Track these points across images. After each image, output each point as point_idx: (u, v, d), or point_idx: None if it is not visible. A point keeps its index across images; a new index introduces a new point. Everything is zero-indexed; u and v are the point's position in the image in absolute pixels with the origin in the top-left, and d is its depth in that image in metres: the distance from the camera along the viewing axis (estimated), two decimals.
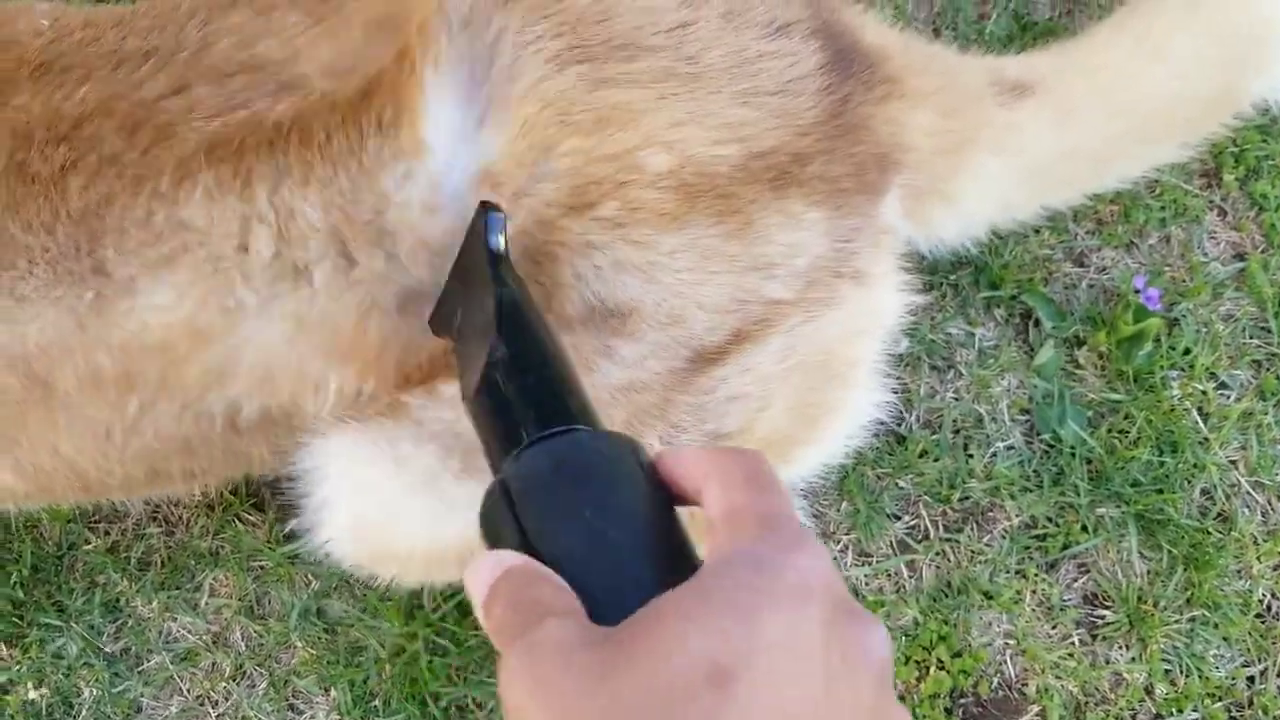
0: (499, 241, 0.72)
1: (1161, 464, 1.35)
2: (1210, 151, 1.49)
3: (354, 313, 0.95)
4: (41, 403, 1.00)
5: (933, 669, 1.28)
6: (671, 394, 1.02)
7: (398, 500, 1.03)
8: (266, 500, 1.35)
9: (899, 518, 1.36)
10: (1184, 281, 1.45)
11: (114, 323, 0.96)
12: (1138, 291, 1.39)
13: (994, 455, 1.37)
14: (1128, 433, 1.37)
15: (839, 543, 1.35)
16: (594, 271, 0.96)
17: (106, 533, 1.34)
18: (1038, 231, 1.47)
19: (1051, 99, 1.24)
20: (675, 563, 0.47)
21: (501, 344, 0.61)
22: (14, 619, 1.29)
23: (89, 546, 1.33)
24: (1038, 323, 1.43)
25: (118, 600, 1.31)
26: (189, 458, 1.09)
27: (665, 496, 0.50)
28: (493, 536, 0.51)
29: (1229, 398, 1.41)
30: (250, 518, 1.34)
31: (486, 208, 0.73)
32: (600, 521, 0.48)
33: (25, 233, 0.93)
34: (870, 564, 1.33)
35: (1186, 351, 1.40)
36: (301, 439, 1.07)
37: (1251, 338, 1.43)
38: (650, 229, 0.96)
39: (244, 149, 0.91)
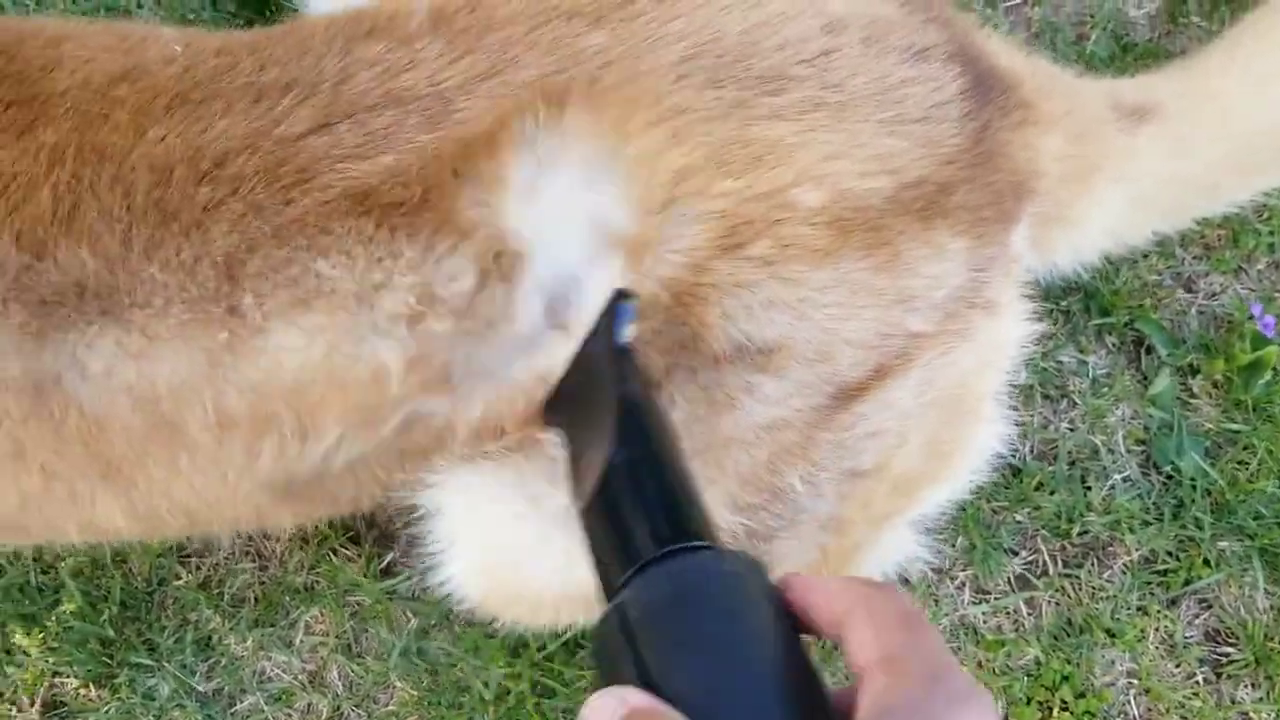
0: (626, 334, 0.66)
1: None
2: None
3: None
4: (166, 444, 0.96)
5: (1056, 710, 1.24)
6: (814, 431, 0.98)
7: (530, 541, 0.99)
8: (362, 534, 1.31)
9: (1016, 553, 1.31)
10: None
11: (248, 364, 0.92)
12: (1253, 318, 1.36)
13: (1112, 488, 1.33)
14: (1248, 464, 1.33)
15: (955, 579, 1.30)
16: (743, 310, 0.92)
17: (198, 568, 1.29)
18: (1145, 256, 1.44)
19: (1169, 125, 1.22)
20: (808, 706, 0.43)
21: (621, 449, 0.56)
22: (104, 659, 1.24)
23: (180, 582, 1.28)
24: (1150, 350, 1.39)
25: (209, 638, 1.27)
26: (304, 500, 1.05)
27: (793, 626, 0.46)
28: (608, 666, 0.47)
29: None
30: (346, 551, 1.30)
31: (620, 296, 0.67)
32: (729, 658, 0.44)
33: (163, 272, 0.88)
34: (989, 601, 1.29)
35: None
36: (426, 477, 1.03)
37: None
38: (802, 265, 0.92)
39: (388, 200, 0.87)
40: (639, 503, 0.54)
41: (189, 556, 1.30)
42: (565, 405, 0.69)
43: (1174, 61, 1.28)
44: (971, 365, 1.09)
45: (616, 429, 0.57)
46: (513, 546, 0.99)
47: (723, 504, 0.98)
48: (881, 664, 0.42)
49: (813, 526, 1.03)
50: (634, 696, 0.43)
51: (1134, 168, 1.21)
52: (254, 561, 1.29)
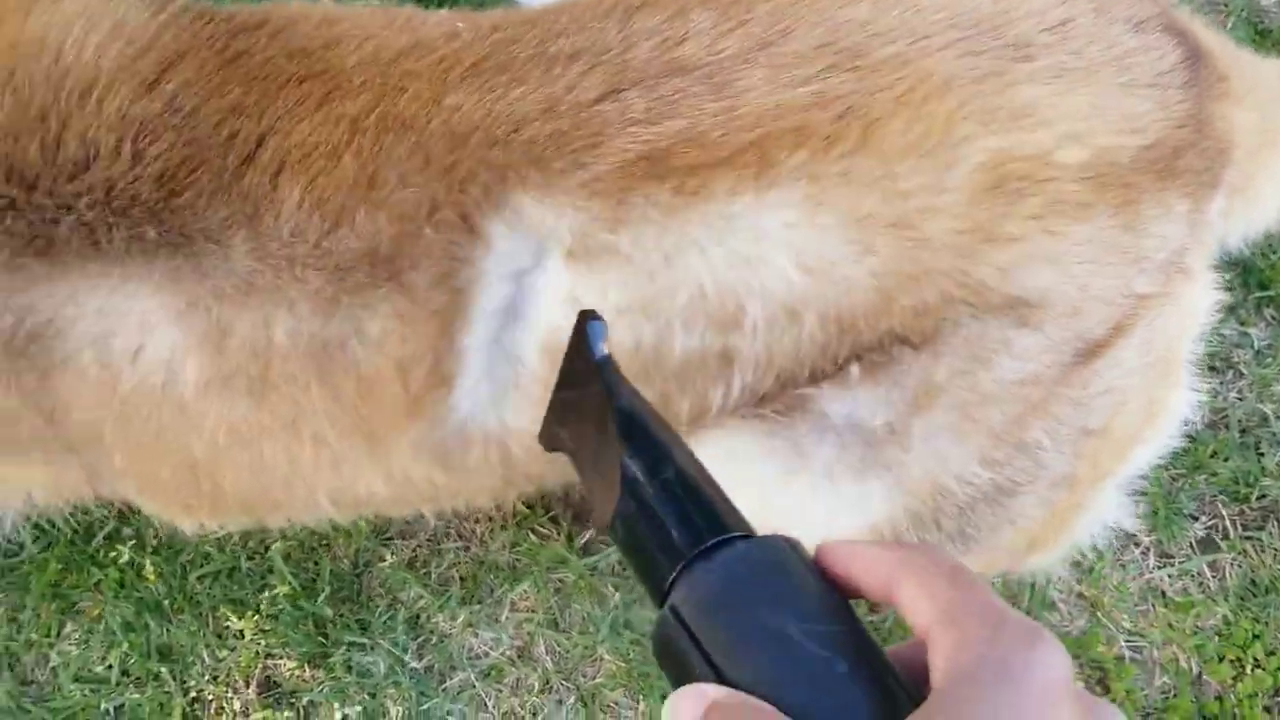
0: (603, 349, 0.68)
1: None
2: None
3: None
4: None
5: (1249, 667, 1.27)
6: (1058, 388, 1.02)
7: (798, 500, 1.02)
8: (560, 514, 1.34)
9: (1197, 518, 1.35)
10: None
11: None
12: None
13: None
14: None
15: (1140, 544, 1.34)
16: (1014, 263, 0.95)
17: (401, 550, 1.32)
18: None
19: None
20: (877, 675, 0.44)
21: (633, 456, 0.56)
22: (319, 639, 1.26)
23: (384, 564, 1.31)
24: None
25: (418, 617, 1.29)
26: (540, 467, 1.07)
27: (841, 597, 0.47)
28: (677, 669, 0.47)
29: None
30: (545, 530, 1.32)
31: (585, 317, 0.71)
32: (791, 641, 0.44)
33: (430, 231, 0.92)
34: (1174, 565, 1.33)
35: None
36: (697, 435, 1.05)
37: None
38: (1067, 220, 0.96)
39: (684, 161, 0.90)
40: (666, 504, 0.53)
41: (390, 539, 1.32)
42: (561, 430, 0.71)
43: None
44: (1176, 329, 1.13)
45: (621, 437, 0.57)
46: (781, 507, 1.02)
47: (974, 459, 1.02)
48: (942, 621, 0.42)
49: (1048, 483, 1.07)
50: (712, 690, 0.44)
51: None
52: (456, 542, 1.32)
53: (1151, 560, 1.33)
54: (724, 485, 0.63)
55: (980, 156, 0.94)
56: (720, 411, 1.00)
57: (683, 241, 0.92)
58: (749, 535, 0.50)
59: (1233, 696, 1.26)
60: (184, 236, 0.93)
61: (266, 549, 1.30)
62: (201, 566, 1.28)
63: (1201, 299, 1.16)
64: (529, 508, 1.32)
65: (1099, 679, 1.26)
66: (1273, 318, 1.44)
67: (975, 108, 0.94)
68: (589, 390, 0.67)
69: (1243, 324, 1.43)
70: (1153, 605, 1.31)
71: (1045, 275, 0.96)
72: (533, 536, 1.32)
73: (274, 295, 0.93)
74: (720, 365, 0.97)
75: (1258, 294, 1.44)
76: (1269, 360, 1.41)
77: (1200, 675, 1.26)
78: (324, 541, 1.31)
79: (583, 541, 1.32)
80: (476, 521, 1.32)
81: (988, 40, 0.98)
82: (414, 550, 1.32)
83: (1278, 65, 1.27)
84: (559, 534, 1.32)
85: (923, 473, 1.01)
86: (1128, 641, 1.28)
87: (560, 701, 1.27)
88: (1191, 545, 1.34)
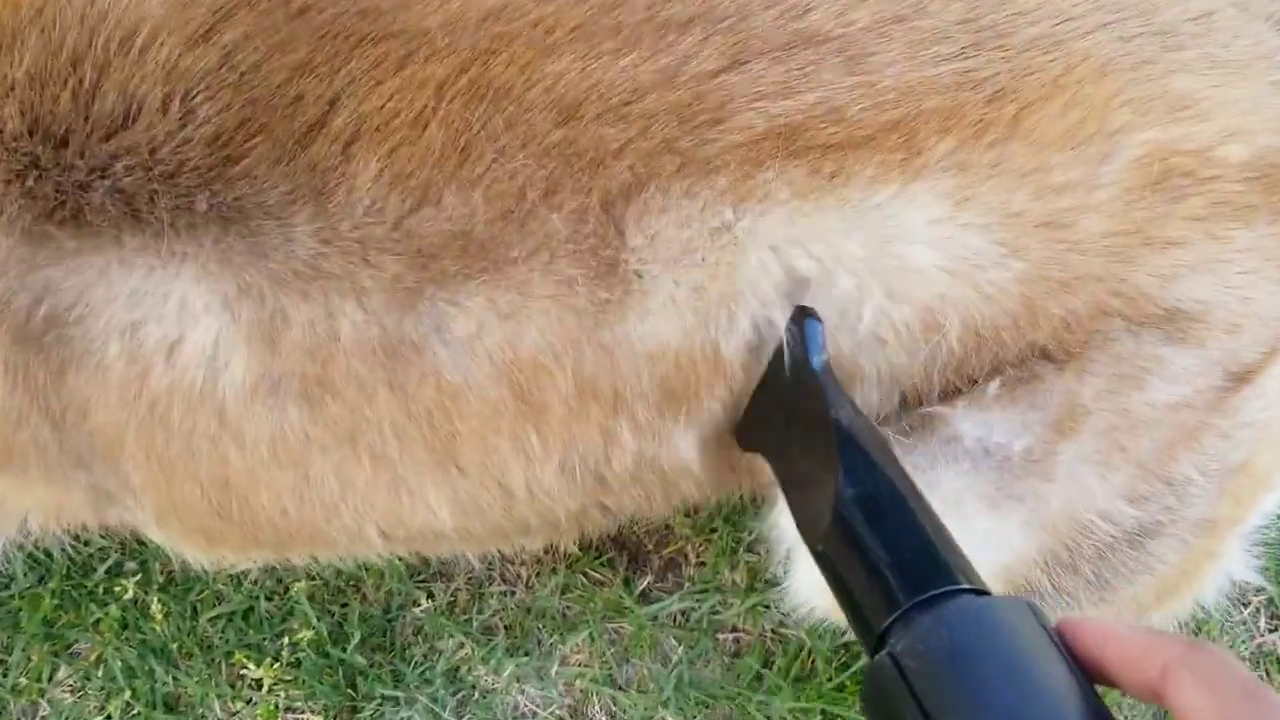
0: (822, 354, 0.61)
1: None
2: None
3: None
4: (515, 420, 0.87)
5: None
6: (1209, 417, 0.91)
7: None
8: (616, 558, 1.21)
9: None
10: None
11: (621, 331, 0.84)
12: None
13: None
14: None
15: (1249, 604, 1.22)
16: (1174, 270, 0.85)
17: (439, 594, 1.18)
18: None
19: None
20: None
21: (851, 481, 0.53)
22: (347, 690, 1.12)
23: (420, 609, 1.17)
24: None
25: (458, 669, 1.15)
26: (634, 491, 0.95)
27: (1086, 679, 0.43)
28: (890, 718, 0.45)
29: None
30: (599, 574, 1.19)
31: (803, 314, 0.62)
32: (1025, 711, 0.42)
33: (561, 220, 0.80)
34: None
35: None
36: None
37: None
38: (1230, 223, 0.87)
39: (821, 140, 0.80)
40: (884, 540, 0.51)
41: (425, 581, 1.19)
42: (764, 429, 0.63)
43: None
44: None
45: (839, 458, 0.54)
46: None
47: (1120, 495, 0.91)
48: None
49: (1189, 525, 0.96)
50: None
51: None
52: (499, 586, 1.19)
53: (1263, 622, 1.21)
54: None
55: (1138, 150, 0.84)
56: None
57: (815, 229, 0.81)
58: (981, 590, 0.47)
59: None
60: (238, 211, 0.81)
61: (288, 589, 1.16)
62: (215, 606, 1.14)
63: None
64: (581, 550, 1.19)
65: None
66: None
67: (1132, 96, 0.84)
68: (799, 394, 0.60)
69: None
70: (1265, 671, 1.19)
71: (1206, 285, 0.86)
72: (586, 581, 1.19)
73: (342, 283, 0.82)
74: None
75: None
76: None
77: None
78: (353, 582, 1.17)
79: (642, 588, 1.19)
80: (523, 564, 1.19)
81: (1137, 25, 0.89)
82: (453, 594, 1.18)
83: None
84: (615, 579, 1.19)
85: (1064, 507, 0.90)
86: None
87: None
88: None
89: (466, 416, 0.86)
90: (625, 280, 0.82)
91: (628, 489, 0.94)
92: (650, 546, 1.21)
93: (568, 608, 1.18)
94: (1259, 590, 1.22)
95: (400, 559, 1.14)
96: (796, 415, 0.59)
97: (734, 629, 1.17)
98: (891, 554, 0.50)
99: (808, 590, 0.97)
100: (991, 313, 0.84)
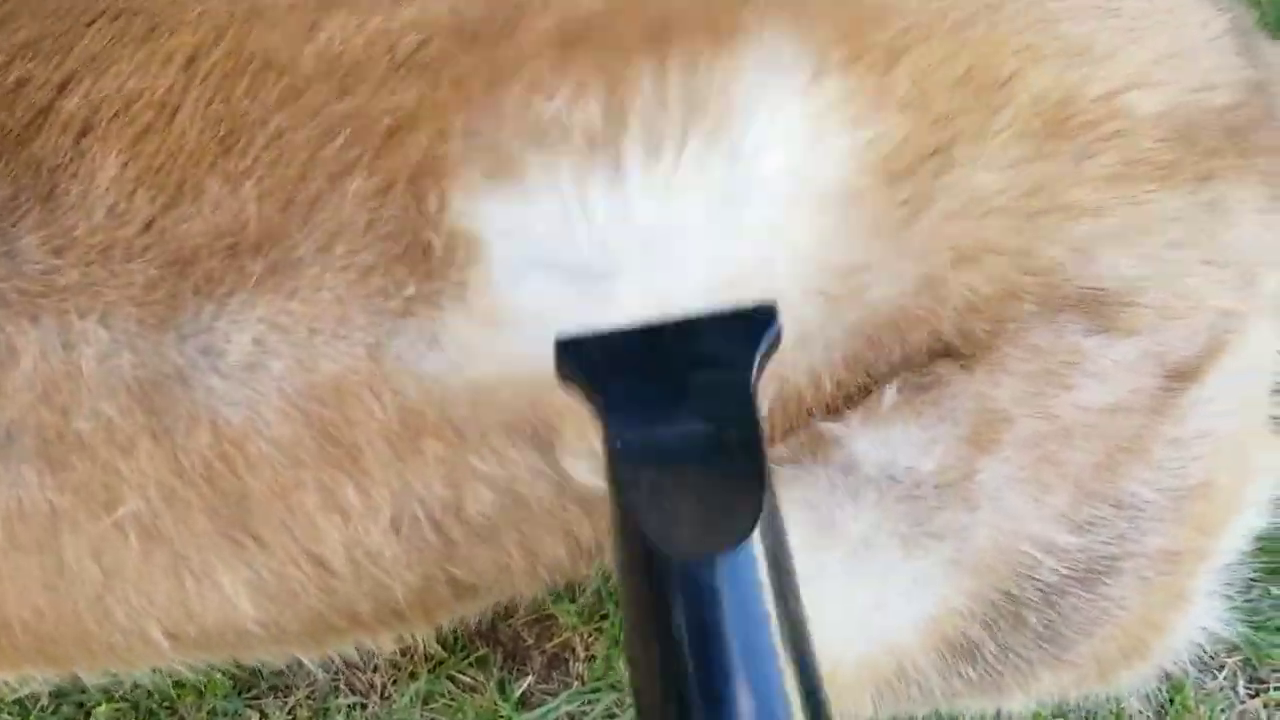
0: (760, 372, 0.47)
1: None
2: None
3: None
4: (322, 469, 0.70)
5: None
6: (1154, 422, 0.77)
7: (831, 587, 0.73)
8: (490, 656, 1.02)
9: None
10: None
11: (458, 339, 0.68)
12: None
13: None
14: None
15: (1223, 668, 1.07)
16: (1091, 240, 0.72)
17: (273, 711, 0.98)
18: None
19: None
20: None
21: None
22: None
23: None
24: None
25: None
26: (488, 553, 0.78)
27: None
28: None
29: None
30: (467, 678, 1.01)
31: (764, 312, 0.48)
32: None
33: (353, 206, 0.66)
34: (1267, 690, 1.05)
35: None
36: None
37: None
38: (1150, 185, 0.74)
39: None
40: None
41: (256, 698, 0.99)
42: (636, 385, 0.46)
43: None
44: (1259, 365, 0.91)
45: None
46: (810, 599, 0.74)
47: (1060, 521, 0.75)
48: None
49: (1147, 558, 0.80)
50: None
51: None
52: (349, 697, 0.99)
53: (1240, 686, 1.06)
54: None
55: (1034, 95, 0.72)
56: None
57: None
58: None
59: None
60: None
61: (89, 714, 0.96)
62: None
63: (1271, 339, 0.94)
64: (445, 649, 1.01)
65: None
66: None
67: (1028, 42, 0.72)
68: (725, 391, 0.44)
69: None
70: None
71: (1130, 260, 0.73)
72: (453, 687, 1.00)
73: (80, 300, 0.66)
74: None
75: None
76: None
77: None
78: (166, 703, 0.97)
79: (521, 690, 1.01)
80: (375, 670, 1.00)
81: None
82: (291, 711, 0.98)
83: None
84: (488, 682, 1.00)
85: (994, 541, 0.74)
86: None
87: None
88: None
89: (257, 469, 0.69)
90: (443, 271, 0.67)
91: (480, 548, 0.77)
92: (530, 640, 1.03)
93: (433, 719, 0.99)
94: (1231, 649, 1.07)
95: (222, 671, 0.94)
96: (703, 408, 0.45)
97: None
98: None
99: None
100: (877, 296, 0.70)
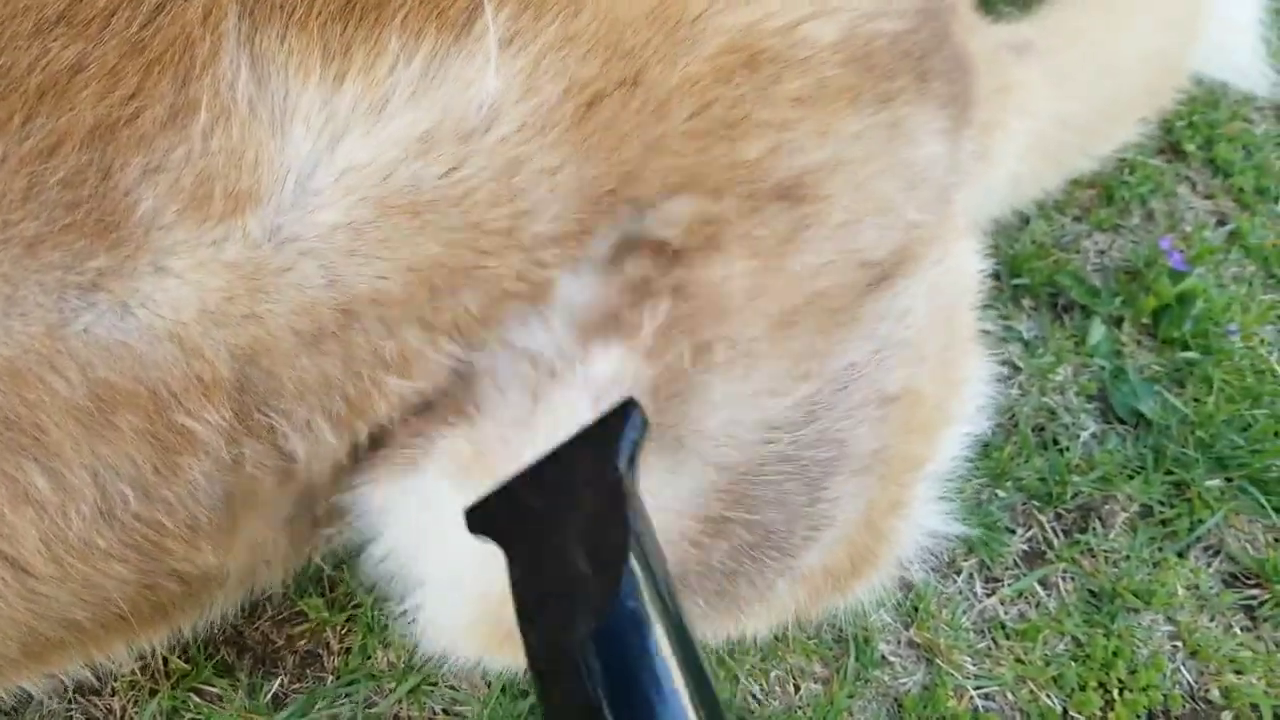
0: (632, 458, 0.52)
1: (1251, 421, 1.23)
2: (1164, 129, 1.47)
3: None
4: (5, 453, 0.65)
5: (1116, 691, 1.05)
6: (856, 309, 0.81)
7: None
8: (234, 661, 0.97)
9: (1014, 530, 1.15)
10: (1187, 249, 1.38)
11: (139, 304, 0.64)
12: (1165, 253, 1.31)
13: (1084, 445, 1.21)
14: (1203, 400, 1.24)
15: (960, 571, 1.12)
16: (785, 148, 0.75)
17: None
18: (1027, 222, 1.38)
19: (1045, 59, 1.23)
20: None
21: (628, 593, 0.45)
22: None
23: None
24: (1067, 308, 1.31)
25: None
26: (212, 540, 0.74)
27: None
28: None
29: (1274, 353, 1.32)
30: (214, 688, 0.95)
31: (630, 405, 0.52)
32: None
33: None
34: (1003, 587, 1.11)
35: (1226, 308, 1.31)
36: (352, 493, 0.77)
37: (1267, 293, 1.37)
38: (834, 105, 0.77)
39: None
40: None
41: None
42: (525, 520, 0.52)
43: (1043, 5, 1.26)
44: (956, 283, 0.97)
45: (622, 568, 0.46)
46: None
47: (776, 402, 0.78)
48: None
49: (858, 459, 0.83)
50: None
51: (1029, 100, 1.19)
52: None
53: (978, 586, 1.11)
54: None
55: (722, 38, 0.74)
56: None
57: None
58: None
59: None
60: None
61: None
62: None
63: (972, 259, 1.01)
64: (189, 662, 0.95)
65: None
66: (1032, 307, 1.31)
67: None
68: (592, 492, 0.49)
69: (1005, 318, 1.28)
70: (993, 639, 1.08)
71: (816, 161, 0.76)
72: (198, 699, 0.94)
73: None
74: None
75: (1013, 283, 1.30)
76: (1040, 350, 1.26)
77: (1067, 712, 1.04)
78: None
79: (272, 692, 0.96)
80: (113, 693, 0.94)
81: None
82: None
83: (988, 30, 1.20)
84: (236, 689, 0.95)
85: (719, 426, 0.77)
86: (977, 688, 1.04)
87: None
88: (1016, 562, 1.13)
89: None
90: (132, 234, 0.63)
91: (200, 533, 0.73)
92: (280, 641, 0.98)
93: None
94: (967, 553, 1.12)
95: None
96: (582, 513, 0.50)
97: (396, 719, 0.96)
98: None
99: (450, 632, 0.78)
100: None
